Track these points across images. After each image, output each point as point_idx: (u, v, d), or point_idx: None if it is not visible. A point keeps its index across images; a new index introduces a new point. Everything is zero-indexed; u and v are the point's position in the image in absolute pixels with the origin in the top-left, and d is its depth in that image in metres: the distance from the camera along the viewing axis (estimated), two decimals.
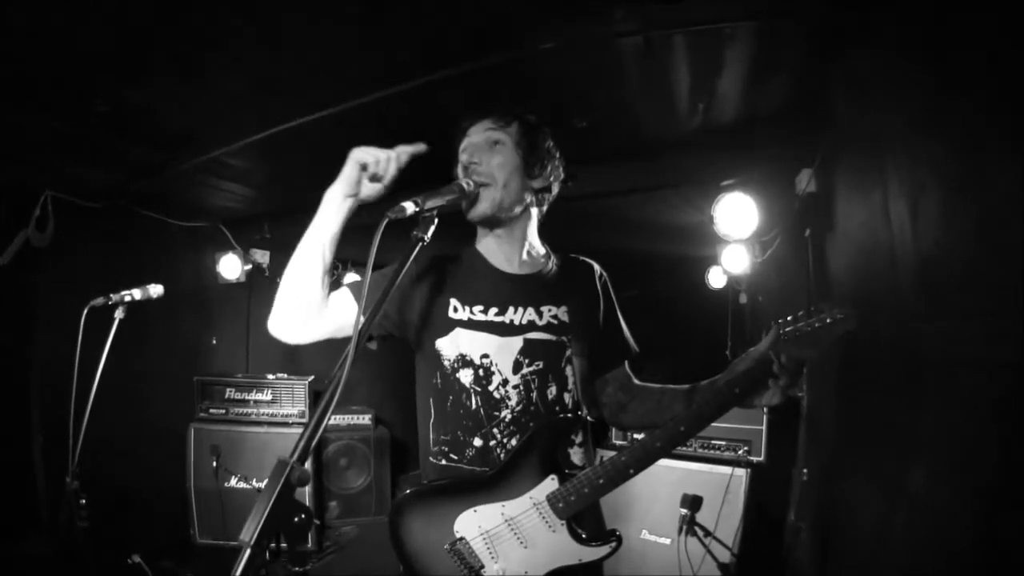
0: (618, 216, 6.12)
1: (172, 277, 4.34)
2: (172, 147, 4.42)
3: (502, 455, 2.08)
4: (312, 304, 2.07)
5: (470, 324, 2.15)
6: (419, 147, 2.01)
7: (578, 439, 2.20)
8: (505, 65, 3.25)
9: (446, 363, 2.14)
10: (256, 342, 7.22)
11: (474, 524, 2.02)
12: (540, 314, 2.20)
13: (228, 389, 6.07)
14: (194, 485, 5.78)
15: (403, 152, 1.99)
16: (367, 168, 1.95)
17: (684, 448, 4.46)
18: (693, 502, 3.77)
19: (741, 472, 4.19)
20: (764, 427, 4.30)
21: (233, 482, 5.66)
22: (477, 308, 2.17)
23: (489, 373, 2.12)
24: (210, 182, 5.22)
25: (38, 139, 4.13)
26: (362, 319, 1.53)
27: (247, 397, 6.04)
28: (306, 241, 2.05)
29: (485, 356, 2.12)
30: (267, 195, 5.72)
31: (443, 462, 2.13)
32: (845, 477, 3.34)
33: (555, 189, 2.35)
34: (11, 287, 4.73)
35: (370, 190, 2.01)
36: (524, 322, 2.18)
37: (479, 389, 2.11)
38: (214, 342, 6.89)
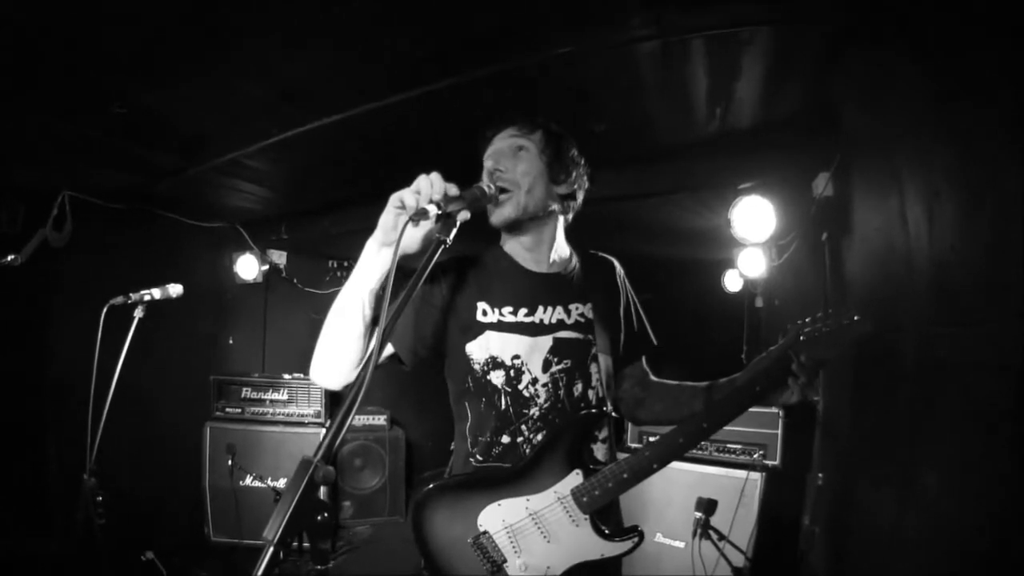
0: (635, 220, 6.14)
1: (189, 277, 4.37)
2: (190, 149, 4.46)
3: (528, 451, 2.10)
4: (355, 359, 2.00)
5: (500, 326, 2.16)
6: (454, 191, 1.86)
7: (602, 435, 2.22)
8: (523, 70, 3.26)
9: (476, 366, 2.15)
10: (272, 342, 7.29)
11: (498, 518, 2.03)
12: (568, 312, 2.22)
13: (244, 388, 6.14)
14: (209, 484, 5.84)
15: (440, 178, 1.83)
16: (405, 206, 1.79)
17: (699, 451, 4.47)
18: (708, 506, 3.77)
19: (756, 476, 4.17)
20: (780, 431, 4.28)
21: (248, 481, 5.70)
22: (507, 309, 2.18)
23: (519, 373, 2.13)
24: (228, 183, 5.28)
25: (56, 141, 4.19)
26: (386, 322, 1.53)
27: (263, 397, 6.09)
28: (344, 295, 1.98)
29: (516, 357, 2.13)
30: (284, 196, 5.77)
31: (479, 460, 2.14)
32: (859, 481, 3.33)
33: (580, 197, 2.35)
34: (30, 286, 4.79)
35: (412, 238, 1.87)
36: (553, 321, 2.19)
37: (509, 389, 2.13)
38: (231, 342, 6.96)
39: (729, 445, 4.44)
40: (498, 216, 2.18)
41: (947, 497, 2.36)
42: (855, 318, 1.95)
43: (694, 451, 4.39)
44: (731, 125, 4.04)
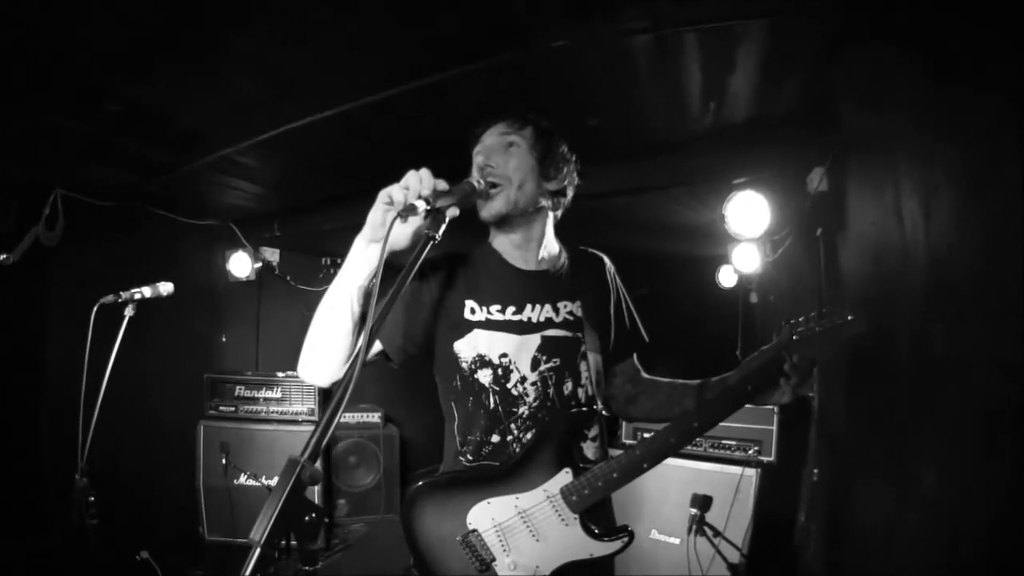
0: (629, 215, 6.11)
1: (182, 275, 4.33)
2: (183, 146, 4.43)
3: (518, 450, 2.09)
4: (343, 356, 1.99)
5: (488, 324, 2.14)
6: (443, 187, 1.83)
7: (592, 433, 2.20)
8: (516, 63, 3.24)
9: (464, 365, 2.13)
10: (266, 340, 7.26)
11: (487, 516, 2.02)
12: (557, 311, 2.20)
13: (238, 387, 6.11)
14: (203, 482, 5.81)
15: (429, 174, 1.80)
16: (394, 202, 1.78)
17: (694, 448, 4.45)
18: (703, 502, 3.76)
19: (751, 472, 4.17)
20: (775, 427, 4.28)
21: (242, 479, 5.68)
22: (495, 308, 2.16)
23: (508, 372, 2.11)
24: (220, 180, 5.24)
25: (49, 138, 4.15)
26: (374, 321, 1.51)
27: (257, 395, 6.07)
28: (332, 292, 1.98)
29: (504, 355, 2.12)
30: (277, 193, 5.73)
31: (469, 459, 2.12)
32: (855, 477, 3.33)
33: (570, 193, 2.33)
34: (21, 285, 4.75)
35: (401, 234, 1.86)
36: (542, 319, 2.18)
37: (497, 388, 2.11)
38: (224, 340, 6.92)
39: (724, 441, 4.44)
40: (488, 211, 2.16)
41: (944, 493, 2.35)
42: (849, 318, 1.94)
43: (689, 447, 4.39)
44: (725, 120, 4.02)
